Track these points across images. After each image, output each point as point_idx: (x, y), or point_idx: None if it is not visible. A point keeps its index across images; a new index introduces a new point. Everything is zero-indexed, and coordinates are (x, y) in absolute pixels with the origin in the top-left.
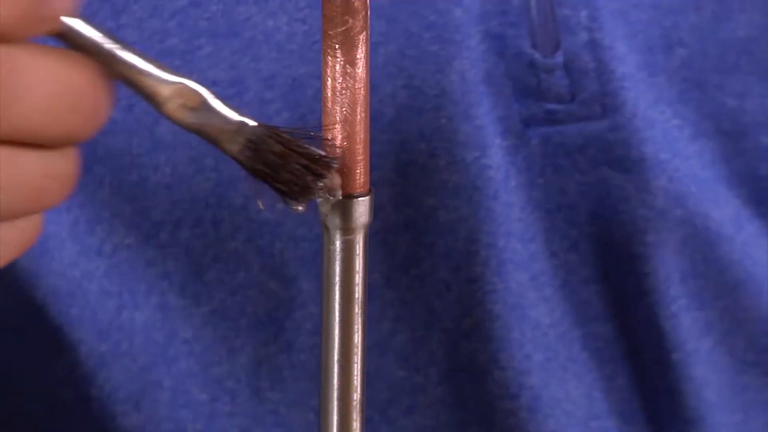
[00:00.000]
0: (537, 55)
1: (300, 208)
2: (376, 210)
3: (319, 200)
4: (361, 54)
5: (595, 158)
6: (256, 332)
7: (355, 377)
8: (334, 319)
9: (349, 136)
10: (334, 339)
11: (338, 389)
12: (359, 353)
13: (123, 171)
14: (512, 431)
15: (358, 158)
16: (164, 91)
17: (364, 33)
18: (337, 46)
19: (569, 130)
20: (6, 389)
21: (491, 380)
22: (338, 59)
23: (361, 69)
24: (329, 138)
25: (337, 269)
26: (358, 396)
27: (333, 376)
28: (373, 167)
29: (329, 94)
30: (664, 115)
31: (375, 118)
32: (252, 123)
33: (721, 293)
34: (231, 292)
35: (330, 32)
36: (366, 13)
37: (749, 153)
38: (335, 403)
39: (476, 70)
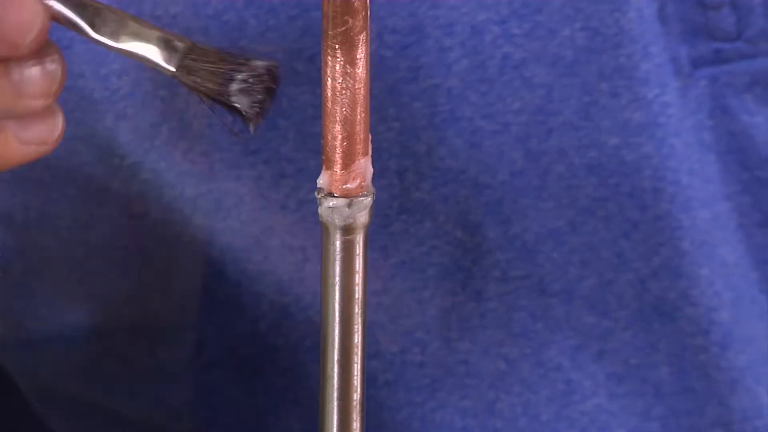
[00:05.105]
0: None
1: (257, 121)
2: (560, 155)
3: (318, 200)
4: (361, 54)
5: (763, 96)
6: (444, 282)
7: (355, 377)
8: (334, 319)
9: (349, 136)
10: (334, 339)
11: (338, 389)
12: (359, 353)
13: (307, 124)
14: (703, 368)
15: (358, 158)
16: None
17: (364, 33)
18: (337, 46)
19: (736, 69)
20: (190, 343)
21: (682, 317)
22: (338, 59)
23: (361, 69)
24: None
25: (337, 269)
26: (358, 396)
27: (333, 376)
28: (557, 112)
29: (329, 94)
30: None
31: (554, 62)
32: (182, 43)
33: None
34: (418, 243)
35: (330, 32)
36: (366, 13)
37: None
38: (335, 403)
39: (651, 8)
